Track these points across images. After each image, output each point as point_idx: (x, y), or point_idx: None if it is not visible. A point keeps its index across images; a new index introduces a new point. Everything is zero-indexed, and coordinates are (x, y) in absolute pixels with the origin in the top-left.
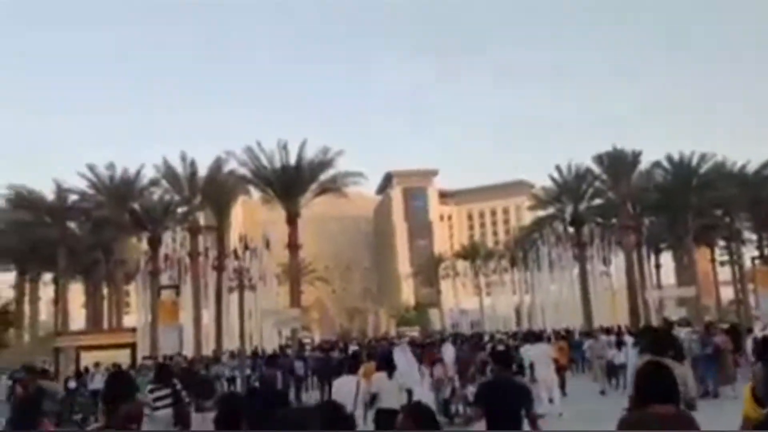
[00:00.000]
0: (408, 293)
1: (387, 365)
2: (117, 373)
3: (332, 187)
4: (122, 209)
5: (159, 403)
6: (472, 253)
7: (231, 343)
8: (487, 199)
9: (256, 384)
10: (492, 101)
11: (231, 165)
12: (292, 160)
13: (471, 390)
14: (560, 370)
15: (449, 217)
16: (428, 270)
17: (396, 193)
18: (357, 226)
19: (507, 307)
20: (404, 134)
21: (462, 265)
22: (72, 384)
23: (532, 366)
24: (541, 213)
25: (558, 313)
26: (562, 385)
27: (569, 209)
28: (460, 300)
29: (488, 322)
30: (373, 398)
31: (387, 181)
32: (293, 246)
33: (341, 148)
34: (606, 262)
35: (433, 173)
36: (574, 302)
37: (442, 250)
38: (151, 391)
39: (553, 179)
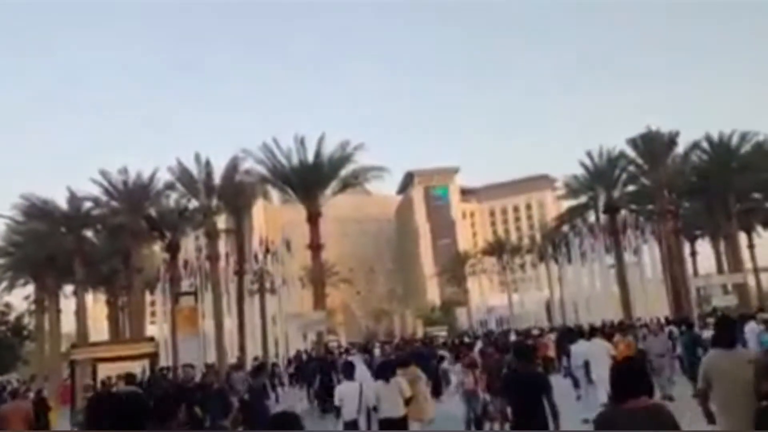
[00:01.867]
0: (433, 293)
1: (386, 371)
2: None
3: (354, 182)
4: (138, 215)
5: None
6: (498, 249)
7: (256, 350)
8: (510, 195)
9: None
10: (508, 95)
11: (248, 165)
12: (311, 157)
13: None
14: None
15: (472, 215)
16: (453, 269)
17: (417, 192)
18: (379, 227)
19: (536, 303)
20: (424, 132)
21: (488, 262)
22: None
23: (587, 365)
24: (572, 202)
25: (591, 307)
26: None
27: (602, 198)
28: (487, 297)
29: (517, 319)
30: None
31: (408, 180)
32: (315, 246)
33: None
34: (637, 251)
35: (454, 170)
36: (608, 295)
37: (466, 248)
38: None
39: (584, 166)
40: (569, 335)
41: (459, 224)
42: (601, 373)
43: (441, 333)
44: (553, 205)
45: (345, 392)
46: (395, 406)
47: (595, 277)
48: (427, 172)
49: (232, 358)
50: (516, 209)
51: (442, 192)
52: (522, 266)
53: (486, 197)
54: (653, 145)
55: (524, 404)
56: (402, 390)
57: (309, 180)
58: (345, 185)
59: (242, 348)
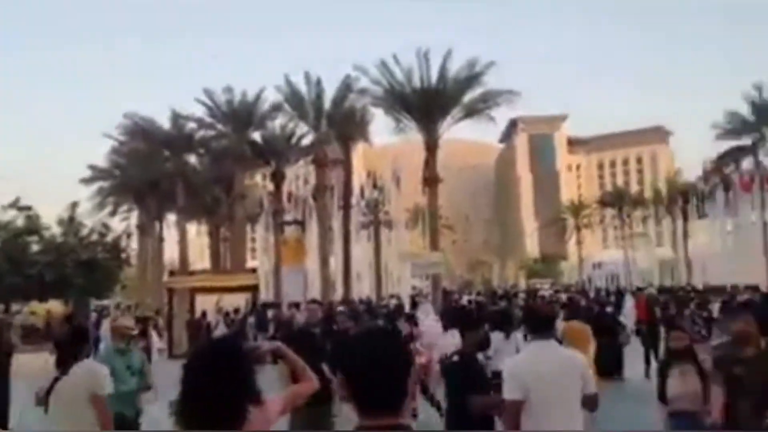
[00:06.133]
0: (532, 245)
1: (503, 324)
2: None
3: (481, 107)
4: (242, 139)
5: None
6: (618, 200)
7: (360, 291)
8: (619, 147)
9: None
10: (621, 40)
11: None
12: (434, 77)
13: None
14: None
15: (578, 167)
16: (555, 221)
17: (521, 141)
18: (478, 175)
19: (652, 261)
20: (531, 78)
21: (601, 214)
22: None
23: None
24: (730, 144)
25: (733, 269)
26: None
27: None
28: (592, 252)
29: (633, 277)
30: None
31: (511, 127)
32: (432, 180)
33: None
34: None
35: (562, 119)
36: (751, 256)
37: (569, 201)
38: None
39: (750, 101)
40: None
41: (564, 176)
42: None
43: (545, 286)
44: (666, 159)
45: (455, 342)
46: None
47: (738, 234)
48: (532, 119)
49: (335, 297)
50: (626, 162)
51: (547, 141)
52: (644, 220)
53: (594, 148)
54: None
55: None
56: (518, 346)
57: (430, 103)
58: (471, 111)
59: (347, 286)
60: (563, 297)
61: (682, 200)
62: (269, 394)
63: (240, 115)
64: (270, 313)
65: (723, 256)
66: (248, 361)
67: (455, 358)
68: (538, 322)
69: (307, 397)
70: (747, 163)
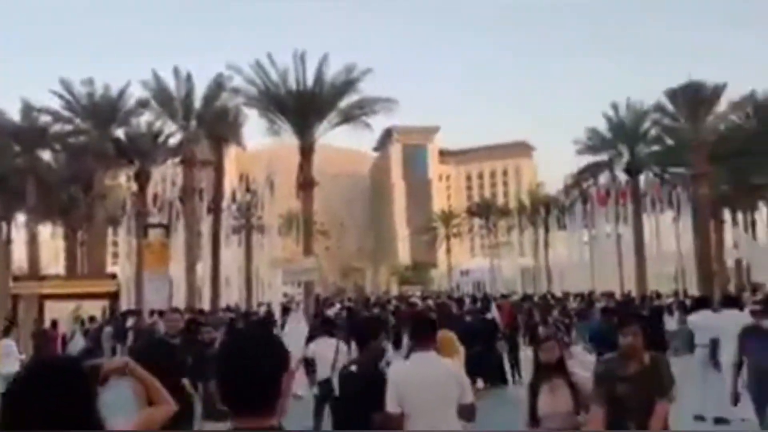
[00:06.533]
0: (404, 252)
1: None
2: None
3: (357, 114)
4: (104, 136)
5: None
6: (485, 210)
7: (229, 298)
8: (487, 160)
9: None
10: (492, 57)
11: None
12: (310, 80)
13: None
14: None
15: (447, 178)
16: (427, 229)
17: (395, 150)
18: (352, 183)
19: (515, 269)
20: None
21: (470, 224)
22: None
23: (715, 344)
24: (591, 159)
25: (589, 277)
26: None
27: (624, 156)
28: (460, 260)
29: (498, 284)
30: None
31: (386, 136)
32: (308, 184)
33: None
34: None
35: (435, 130)
36: (604, 265)
37: (441, 210)
38: None
39: (608, 118)
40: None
41: (435, 185)
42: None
43: (415, 292)
44: (529, 173)
45: (320, 350)
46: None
47: (594, 245)
48: (406, 129)
49: (203, 306)
50: (492, 174)
51: (420, 152)
52: (509, 230)
53: (464, 160)
54: (694, 99)
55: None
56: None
57: (306, 106)
58: (347, 117)
59: (215, 293)
60: (431, 303)
61: (544, 212)
62: (120, 417)
63: (102, 110)
64: (130, 321)
65: (580, 265)
66: (88, 381)
67: (353, 368)
68: (424, 332)
69: (162, 423)
70: (604, 178)
